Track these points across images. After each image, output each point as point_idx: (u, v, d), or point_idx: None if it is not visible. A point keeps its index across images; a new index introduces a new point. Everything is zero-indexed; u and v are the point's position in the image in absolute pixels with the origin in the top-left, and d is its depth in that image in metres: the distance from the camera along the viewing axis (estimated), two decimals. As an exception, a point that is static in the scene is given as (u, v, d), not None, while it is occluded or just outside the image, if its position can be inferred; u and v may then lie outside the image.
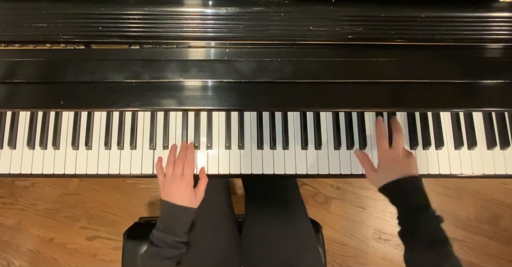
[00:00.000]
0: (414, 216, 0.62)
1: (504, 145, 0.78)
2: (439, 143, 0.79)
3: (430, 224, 0.61)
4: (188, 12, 0.67)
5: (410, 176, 0.67)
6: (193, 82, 0.71)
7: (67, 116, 0.81)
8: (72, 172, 0.79)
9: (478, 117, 0.80)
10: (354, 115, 0.80)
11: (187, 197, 0.72)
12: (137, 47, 0.71)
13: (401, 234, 0.65)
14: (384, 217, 1.50)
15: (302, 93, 0.71)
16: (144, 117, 0.80)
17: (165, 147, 0.79)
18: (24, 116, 0.81)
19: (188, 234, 0.71)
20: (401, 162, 0.69)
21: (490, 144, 0.78)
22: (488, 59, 0.71)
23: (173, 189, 0.72)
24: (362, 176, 0.78)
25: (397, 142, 0.72)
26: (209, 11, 0.67)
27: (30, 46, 0.70)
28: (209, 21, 0.67)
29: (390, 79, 0.71)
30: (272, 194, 0.91)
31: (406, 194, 0.66)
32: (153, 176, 0.79)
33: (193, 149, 0.78)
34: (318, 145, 0.79)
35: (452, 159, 0.79)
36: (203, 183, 0.76)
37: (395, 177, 0.67)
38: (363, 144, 0.79)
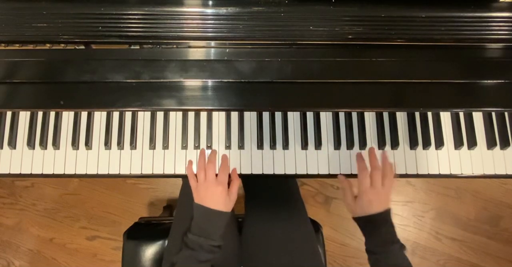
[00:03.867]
0: (382, 249, 0.68)
1: (504, 145, 0.78)
2: (439, 143, 0.79)
3: (396, 257, 0.67)
4: (188, 12, 0.67)
5: (382, 211, 0.70)
6: (193, 82, 0.71)
7: (67, 116, 0.81)
8: (72, 172, 0.79)
9: (478, 117, 0.80)
10: (354, 115, 0.80)
11: (222, 201, 0.72)
12: (137, 47, 0.71)
13: (370, 262, 0.70)
14: (384, 217, 1.50)
15: (302, 93, 0.71)
16: (144, 117, 0.80)
17: (164, 146, 0.79)
18: (24, 116, 0.81)
19: (222, 237, 0.71)
20: (379, 199, 0.71)
21: (490, 144, 0.78)
22: (488, 59, 0.71)
23: (208, 194, 0.72)
24: (362, 176, 0.78)
25: (375, 180, 0.72)
26: (209, 11, 0.67)
27: (30, 46, 0.70)
28: (209, 21, 0.67)
29: (390, 79, 0.71)
30: (272, 194, 0.91)
31: (377, 228, 0.69)
32: (153, 176, 0.79)
33: (226, 155, 0.78)
34: (318, 145, 0.79)
35: (452, 159, 0.79)
36: (235, 185, 0.75)
37: (369, 212, 0.70)
38: (363, 143, 0.79)
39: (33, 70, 0.70)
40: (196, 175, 0.76)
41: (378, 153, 0.77)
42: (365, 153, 0.78)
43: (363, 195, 0.71)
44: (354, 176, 0.78)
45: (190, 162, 0.78)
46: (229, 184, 0.76)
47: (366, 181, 0.72)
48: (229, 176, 0.77)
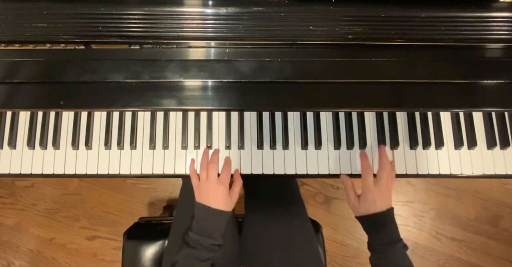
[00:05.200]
0: (386, 248, 0.68)
1: (504, 145, 0.78)
2: (439, 143, 0.79)
3: (398, 256, 0.68)
4: (188, 12, 0.67)
5: (386, 210, 0.71)
6: (193, 82, 0.71)
7: (67, 116, 0.81)
8: (72, 172, 0.79)
9: (478, 117, 0.80)
10: (354, 115, 0.80)
11: (223, 200, 0.72)
12: (137, 47, 0.71)
13: (372, 261, 0.70)
14: (384, 217, 1.50)
15: (302, 93, 0.71)
16: (144, 117, 0.80)
17: (164, 146, 0.79)
18: (24, 116, 0.81)
19: (222, 236, 0.72)
20: (383, 197, 0.71)
21: (490, 144, 0.78)
22: (488, 59, 0.71)
23: (209, 193, 0.72)
24: (362, 176, 0.78)
25: (381, 179, 0.72)
26: (209, 11, 0.67)
27: (30, 46, 0.70)
28: (209, 21, 0.67)
29: (390, 79, 0.71)
30: (272, 194, 0.91)
31: (381, 227, 0.70)
32: (153, 176, 0.79)
33: (229, 158, 0.78)
34: (318, 145, 0.79)
35: (452, 159, 0.79)
36: (237, 185, 0.76)
37: (373, 211, 0.70)
38: (363, 143, 0.78)
39: (33, 70, 0.70)
40: (198, 174, 0.76)
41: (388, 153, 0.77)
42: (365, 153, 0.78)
43: (368, 194, 0.71)
44: (354, 176, 0.78)
45: (193, 161, 0.78)
46: (231, 184, 0.76)
47: (370, 179, 0.72)
48: (232, 176, 0.77)
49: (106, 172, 0.79)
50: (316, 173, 0.79)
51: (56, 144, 0.79)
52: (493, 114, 0.80)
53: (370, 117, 0.80)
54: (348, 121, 0.80)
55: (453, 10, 0.67)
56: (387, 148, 0.79)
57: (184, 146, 0.79)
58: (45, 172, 0.79)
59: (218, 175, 0.75)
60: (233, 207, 0.76)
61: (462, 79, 0.71)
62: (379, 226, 0.70)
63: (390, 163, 0.75)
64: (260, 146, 0.79)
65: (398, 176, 0.79)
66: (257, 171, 0.78)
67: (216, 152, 0.78)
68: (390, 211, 0.71)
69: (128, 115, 0.80)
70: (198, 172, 0.77)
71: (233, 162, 0.79)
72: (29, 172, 0.79)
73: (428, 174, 0.79)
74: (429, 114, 0.80)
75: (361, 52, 0.70)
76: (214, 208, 0.71)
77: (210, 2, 0.67)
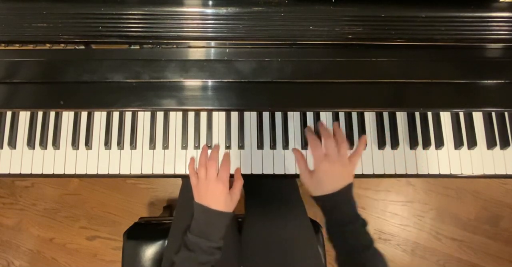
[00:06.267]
0: (343, 228, 0.64)
1: (504, 145, 0.78)
2: (439, 143, 0.79)
3: (357, 235, 0.64)
4: (188, 12, 0.67)
5: (343, 188, 0.66)
6: (193, 82, 0.71)
7: (67, 116, 0.81)
8: (72, 172, 0.79)
9: (478, 117, 0.80)
10: (354, 115, 0.80)
11: (222, 200, 0.70)
12: (137, 47, 0.71)
13: (331, 241, 0.66)
14: (384, 217, 1.50)
15: (302, 93, 0.71)
16: (144, 117, 0.80)
17: (164, 146, 0.79)
18: (24, 116, 0.81)
19: (222, 238, 0.69)
20: (336, 170, 0.66)
21: (490, 144, 0.78)
22: (488, 59, 0.71)
23: (208, 192, 0.70)
24: (362, 176, 0.78)
25: (329, 149, 0.67)
26: (209, 11, 0.67)
27: (30, 46, 0.70)
28: (209, 21, 0.67)
29: (390, 79, 0.71)
30: (272, 194, 0.91)
31: (338, 206, 0.65)
32: (153, 176, 0.79)
33: (228, 152, 0.77)
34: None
35: (452, 159, 0.79)
36: (238, 185, 0.74)
37: (328, 189, 0.66)
38: (363, 144, 0.78)
39: (33, 70, 0.70)
40: (197, 172, 0.74)
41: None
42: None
43: (319, 166, 0.67)
44: (357, 176, 0.78)
45: (192, 159, 0.77)
46: (232, 184, 0.75)
47: (319, 150, 0.68)
48: (233, 175, 0.76)
49: (106, 172, 0.79)
50: (316, 173, 0.79)
51: (56, 144, 0.79)
52: (493, 114, 0.80)
53: (370, 117, 0.80)
54: (348, 121, 0.80)
55: (453, 10, 0.67)
56: (387, 147, 0.79)
57: (184, 146, 0.79)
58: (45, 172, 0.79)
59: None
60: (234, 207, 0.74)
61: (462, 79, 0.71)
62: (335, 206, 0.65)
63: (339, 132, 0.70)
64: (260, 146, 0.79)
65: (398, 176, 0.79)
66: (257, 171, 0.78)
67: (216, 148, 0.76)
68: (347, 188, 0.66)
69: (128, 115, 0.80)
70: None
71: (233, 162, 0.79)
72: (29, 172, 0.79)
73: (428, 174, 0.79)
74: (429, 114, 0.80)
75: (361, 52, 0.70)
76: (214, 209, 0.69)
77: (210, 2, 0.67)
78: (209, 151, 0.78)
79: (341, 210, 0.65)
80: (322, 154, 0.68)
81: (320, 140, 0.72)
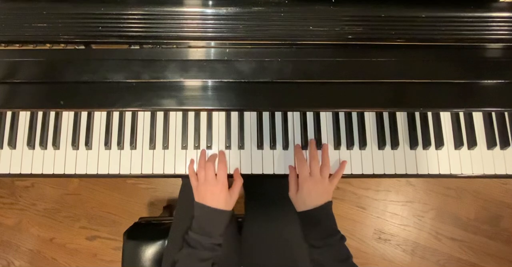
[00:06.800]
0: (322, 242, 0.69)
1: (504, 145, 0.78)
2: (439, 143, 0.79)
3: (335, 249, 0.69)
4: (188, 12, 0.67)
5: (323, 204, 0.71)
6: (193, 82, 0.71)
7: (67, 116, 0.81)
8: (72, 172, 0.79)
9: (478, 117, 0.80)
10: (354, 115, 0.80)
11: (222, 199, 0.73)
12: (137, 47, 0.71)
13: (311, 256, 0.71)
14: (384, 217, 1.50)
15: (302, 93, 0.71)
16: (144, 117, 0.80)
17: (165, 146, 0.79)
18: (24, 116, 0.81)
19: (222, 236, 0.72)
20: (318, 189, 0.72)
21: (490, 144, 0.78)
22: (488, 59, 0.71)
23: (208, 193, 0.73)
24: (362, 176, 0.78)
25: (313, 170, 0.73)
26: (209, 11, 0.67)
27: (30, 46, 0.70)
28: (209, 21, 0.67)
29: (390, 79, 0.71)
30: (272, 194, 0.91)
31: (317, 222, 0.71)
32: (153, 176, 0.79)
33: (223, 152, 0.78)
34: (318, 145, 0.78)
35: (452, 159, 0.79)
36: (238, 184, 0.76)
37: (310, 205, 0.71)
38: (363, 143, 0.78)
39: (33, 70, 0.70)
40: (196, 174, 0.76)
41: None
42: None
43: (303, 184, 0.72)
44: (354, 176, 0.78)
45: (192, 161, 0.78)
46: (231, 183, 0.76)
47: (304, 170, 0.73)
48: (232, 175, 0.77)
49: (106, 172, 0.79)
50: (316, 173, 0.79)
51: (56, 144, 0.79)
52: (493, 114, 0.80)
53: (370, 117, 0.80)
54: (348, 121, 0.80)
55: (453, 10, 0.67)
56: (387, 147, 0.79)
57: (184, 146, 0.79)
58: (45, 172, 0.79)
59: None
60: (233, 205, 0.76)
61: (462, 79, 0.71)
62: (315, 222, 0.71)
63: (325, 155, 0.76)
64: (260, 146, 0.79)
65: (398, 176, 0.79)
66: (257, 171, 0.79)
67: (215, 154, 0.78)
68: (327, 205, 0.71)
69: (128, 115, 0.80)
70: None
71: (233, 162, 0.79)
72: (29, 172, 0.79)
73: (428, 174, 0.79)
74: (429, 114, 0.80)
75: (361, 52, 0.70)
76: (214, 207, 0.71)
77: (210, 2, 0.67)
78: (209, 151, 0.78)
79: (322, 224, 0.71)
80: (307, 173, 0.73)
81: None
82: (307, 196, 0.72)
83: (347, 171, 0.79)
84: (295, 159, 0.78)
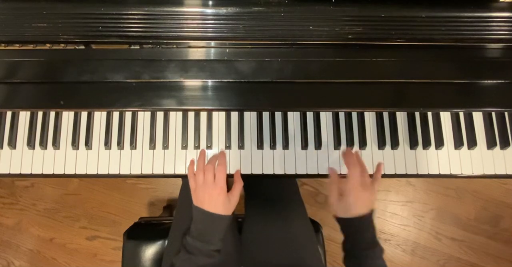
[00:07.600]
0: (363, 253, 0.66)
1: (504, 145, 0.78)
2: (439, 143, 0.79)
3: (375, 261, 0.66)
4: (188, 12, 0.67)
5: (367, 213, 0.68)
6: (193, 82, 0.71)
7: (67, 116, 0.81)
8: (72, 172, 0.79)
9: (478, 117, 0.80)
10: (354, 115, 0.80)
11: (220, 203, 0.69)
12: (137, 47, 0.71)
13: (347, 264, 0.68)
14: (384, 217, 1.50)
15: (302, 93, 0.71)
16: (144, 117, 0.80)
17: (165, 146, 0.79)
18: (24, 116, 0.81)
19: (222, 240, 0.69)
20: (366, 199, 0.69)
21: (490, 144, 0.78)
22: (488, 59, 0.71)
23: (206, 196, 0.69)
24: (362, 176, 0.78)
25: (365, 180, 0.70)
26: (209, 11, 0.67)
27: (30, 46, 0.70)
28: (209, 21, 0.67)
29: (390, 79, 0.71)
30: (272, 194, 0.91)
31: (361, 230, 0.68)
32: (153, 176, 0.79)
33: (224, 152, 0.77)
34: (318, 145, 0.79)
35: (452, 159, 0.79)
36: (237, 187, 0.73)
37: (353, 213, 0.68)
38: (363, 143, 0.78)
39: (33, 70, 0.70)
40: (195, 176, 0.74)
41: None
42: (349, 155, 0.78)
43: (352, 192, 0.68)
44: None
45: (192, 162, 0.77)
46: (231, 186, 0.75)
47: (356, 177, 0.69)
48: (232, 176, 0.76)
49: (106, 172, 0.79)
50: (316, 173, 0.79)
51: (56, 144, 0.79)
52: (493, 114, 0.80)
53: (370, 117, 0.80)
54: (348, 121, 0.80)
55: (453, 10, 0.67)
56: (387, 147, 0.79)
57: (184, 146, 0.79)
58: (45, 172, 0.79)
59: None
60: (233, 209, 0.73)
61: (462, 79, 0.71)
62: (359, 230, 0.68)
63: (362, 162, 0.73)
64: (260, 146, 0.79)
65: (398, 176, 0.79)
66: (257, 171, 0.78)
67: (216, 155, 0.77)
68: (371, 214, 0.68)
69: (128, 115, 0.80)
70: None
71: (233, 162, 0.79)
72: (29, 172, 0.79)
73: (428, 174, 0.79)
74: (429, 114, 0.80)
75: (361, 52, 0.70)
76: (213, 212, 0.68)
77: (210, 2, 0.67)
78: (209, 151, 0.78)
79: (363, 235, 0.67)
80: (359, 181, 0.69)
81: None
82: (353, 204, 0.67)
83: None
84: (344, 162, 0.74)
